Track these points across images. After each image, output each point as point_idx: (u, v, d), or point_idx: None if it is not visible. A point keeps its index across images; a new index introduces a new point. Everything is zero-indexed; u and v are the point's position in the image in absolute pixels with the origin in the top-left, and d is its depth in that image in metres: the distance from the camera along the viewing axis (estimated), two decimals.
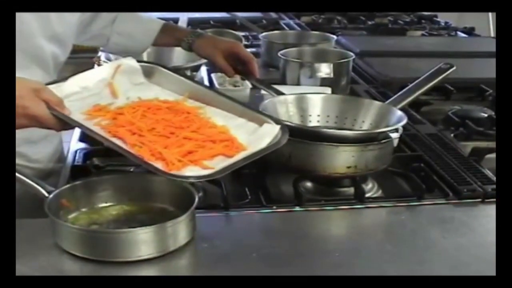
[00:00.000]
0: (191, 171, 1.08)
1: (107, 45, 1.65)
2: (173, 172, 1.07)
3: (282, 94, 1.51)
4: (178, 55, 1.93)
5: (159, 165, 1.08)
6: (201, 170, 1.09)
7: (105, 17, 1.62)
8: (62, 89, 1.21)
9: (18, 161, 1.27)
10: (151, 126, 1.18)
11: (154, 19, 1.68)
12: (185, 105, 1.28)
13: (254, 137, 1.18)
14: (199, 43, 1.59)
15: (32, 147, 1.49)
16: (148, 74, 1.37)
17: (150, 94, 1.30)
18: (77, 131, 1.59)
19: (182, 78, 1.37)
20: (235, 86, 1.81)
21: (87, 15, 1.59)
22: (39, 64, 1.39)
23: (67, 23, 1.44)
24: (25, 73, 1.19)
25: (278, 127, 1.19)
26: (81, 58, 1.36)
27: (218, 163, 1.10)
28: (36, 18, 1.34)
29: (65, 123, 1.15)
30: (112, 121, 1.19)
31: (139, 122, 1.18)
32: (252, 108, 1.28)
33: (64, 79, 1.25)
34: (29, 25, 1.33)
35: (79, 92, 1.24)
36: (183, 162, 1.09)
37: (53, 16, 1.39)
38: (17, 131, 1.11)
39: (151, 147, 1.12)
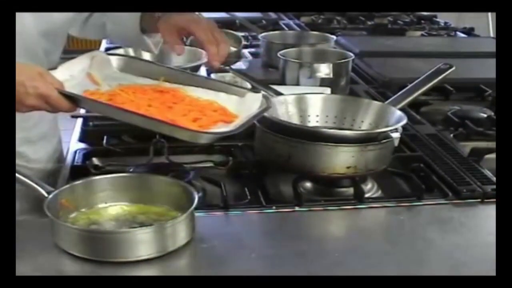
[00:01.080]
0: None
1: (107, 34, 1.63)
2: (200, 130, 1.09)
3: (281, 94, 1.51)
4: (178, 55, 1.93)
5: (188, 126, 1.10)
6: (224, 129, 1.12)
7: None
8: (56, 76, 1.21)
9: (17, 161, 1.27)
10: (148, 103, 1.18)
11: None
12: (167, 86, 1.28)
13: (243, 106, 1.20)
14: (160, 20, 1.44)
15: (31, 147, 1.49)
16: (119, 66, 1.37)
17: (127, 81, 1.31)
18: (76, 132, 1.59)
19: (153, 64, 1.37)
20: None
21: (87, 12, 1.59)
22: (32, 59, 1.38)
23: (60, 19, 1.43)
24: None
25: (260, 94, 1.22)
26: None
27: (222, 129, 1.12)
28: (32, 13, 1.33)
29: (73, 103, 1.15)
30: (110, 101, 1.18)
31: (137, 99, 1.19)
32: (229, 83, 1.30)
33: (54, 68, 1.26)
34: (23, 20, 1.32)
35: (69, 80, 1.25)
36: (195, 126, 1.10)
37: (53, 13, 1.39)
38: (16, 131, 1.11)
39: (162, 116, 1.12)
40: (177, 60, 1.89)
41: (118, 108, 1.14)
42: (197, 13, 1.51)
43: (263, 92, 1.24)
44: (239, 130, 1.12)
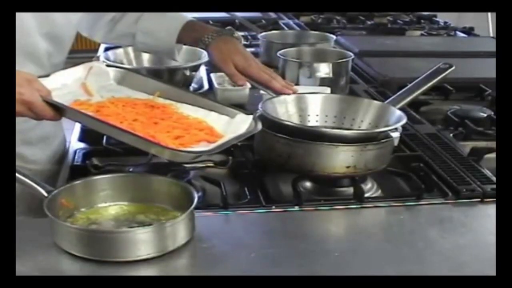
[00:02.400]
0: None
1: (134, 44, 1.64)
2: (178, 148, 1.09)
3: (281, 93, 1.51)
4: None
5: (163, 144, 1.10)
6: (201, 149, 1.12)
7: (130, 15, 1.60)
8: (46, 84, 1.21)
9: None
10: (134, 117, 1.19)
11: (179, 15, 1.61)
12: (158, 101, 1.29)
13: (231, 127, 1.21)
14: (214, 46, 1.51)
15: (30, 149, 1.49)
16: (116, 78, 1.38)
17: (122, 94, 1.32)
18: (76, 132, 1.59)
19: (150, 79, 1.38)
20: (234, 85, 1.80)
21: (115, 13, 1.59)
22: (34, 61, 1.38)
23: (66, 22, 1.43)
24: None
25: (250, 116, 1.22)
26: (81, 58, 1.36)
27: (199, 148, 1.12)
28: (33, 15, 1.33)
29: (57, 112, 1.16)
30: (97, 113, 1.19)
31: (124, 112, 1.20)
32: (222, 103, 1.30)
33: (46, 75, 1.26)
34: (24, 21, 1.32)
35: (60, 89, 1.26)
36: (175, 144, 1.11)
37: (56, 16, 1.39)
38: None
39: (143, 132, 1.12)
40: (178, 60, 1.89)
41: (99, 120, 1.14)
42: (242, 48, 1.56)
43: (254, 115, 1.24)
44: (215, 151, 1.13)
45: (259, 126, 1.21)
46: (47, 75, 1.26)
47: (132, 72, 1.41)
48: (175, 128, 1.17)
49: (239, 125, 1.20)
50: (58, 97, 1.21)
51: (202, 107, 1.28)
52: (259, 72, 1.50)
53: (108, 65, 1.40)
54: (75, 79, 1.31)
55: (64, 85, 1.28)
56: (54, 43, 1.43)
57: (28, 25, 1.34)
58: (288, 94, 1.46)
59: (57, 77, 1.28)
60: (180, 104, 1.29)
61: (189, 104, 1.29)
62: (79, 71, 1.33)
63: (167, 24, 1.59)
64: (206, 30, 1.55)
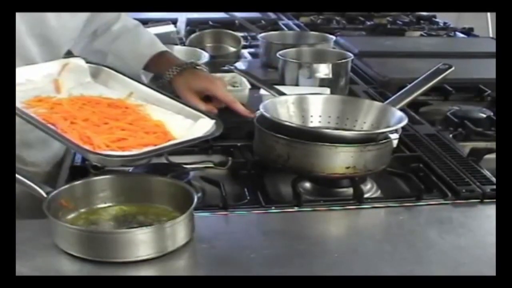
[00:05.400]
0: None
1: (105, 62, 1.63)
2: (97, 151, 1.07)
3: (284, 94, 1.51)
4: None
5: (86, 147, 1.08)
6: (125, 153, 1.09)
7: (108, 35, 1.62)
8: None
9: None
10: (86, 116, 1.18)
11: (154, 44, 1.64)
12: (126, 102, 1.28)
13: (189, 131, 1.19)
14: (176, 81, 1.54)
15: (28, 150, 1.49)
16: (94, 74, 1.37)
17: (95, 92, 1.31)
18: None
19: (127, 78, 1.37)
20: (234, 86, 1.80)
21: (92, 29, 1.59)
22: (26, 63, 1.38)
23: (60, 26, 1.43)
24: None
25: (212, 121, 1.20)
26: None
27: (126, 152, 1.10)
28: (22, 16, 1.32)
29: None
30: (49, 110, 1.19)
31: (74, 111, 1.19)
32: (191, 106, 1.29)
33: None
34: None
35: (23, 84, 1.25)
36: (111, 147, 1.09)
37: (48, 18, 1.38)
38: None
39: (80, 132, 1.12)
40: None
41: (33, 118, 1.14)
42: (206, 71, 1.61)
43: (217, 119, 1.22)
44: (144, 156, 1.11)
45: (217, 132, 1.18)
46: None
47: (111, 70, 1.39)
48: (123, 130, 1.15)
49: (197, 129, 1.18)
50: (19, 92, 1.20)
51: (171, 110, 1.26)
52: (225, 92, 1.54)
53: (88, 62, 1.38)
54: (45, 75, 1.30)
55: (29, 80, 1.27)
56: (47, 47, 1.42)
57: (18, 27, 1.33)
58: (251, 117, 1.47)
59: (22, 71, 1.26)
60: (150, 105, 1.27)
61: (160, 106, 1.27)
62: (51, 67, 1.32)
63: (137, 52, 1.61)
64: (170, 64, 1.57)
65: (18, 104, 1.18)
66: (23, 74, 1.26)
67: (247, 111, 1.53)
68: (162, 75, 1.56)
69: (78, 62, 1.36)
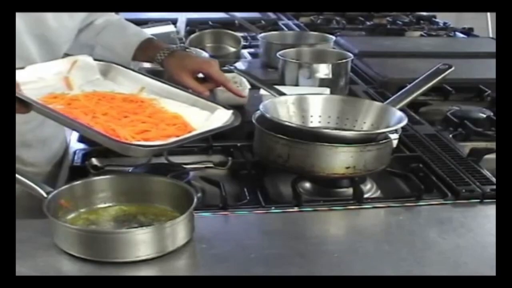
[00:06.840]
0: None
1: (93, 55, 1.63)
2: (127, 141, 1.07)
3: (284, 94, 1.51)
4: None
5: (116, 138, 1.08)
6: (156, 143, 1.09)
7: (92, 28, 1.60)
8: (19, 76, 1.21)
9: None
10: (105, 111, 1.18)
11: (139, 32, 1.62)
12: (140, 96, 1.29)
13: (207, 122, 1.20)
14: (168, 61, 1.50)
15: (27, 151, 1.49)
16: (104, 72, 1.38)
17: (106, 89, 1.31)
18: (76, 132, 1.59)
19: (137, 73, 1.37)
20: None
21: (81, 24, 1.59)
22: (26, 63, 1.38)
23: (59, 26, 1.42)
24: None
25: (230, 112, 1.21)
26: None
27: (155, 142, 1.10)
28: (22, 16, 1.32)
29: (23, 105, 1.15)
30: (67, 106, 1.19)
31: (93, 106, 1.19)
32: (205, 98, 1.30)
33: (22, 67, 1.26)
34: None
35: (35, 81, 1.25)
36: (136, 139, 1.09)
37: (47, 18, 1.38)
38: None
39: (104, 125, 1.12)
40: None
41: (59, 114, 1.13)
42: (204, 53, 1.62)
43: (234, 110, 1.22)
44: (171, 146, 1.11)
45: (236, 122, 1.19)
46: (22, 67, 1.25)
47: (119, 67, 1.39)
48: (144, 122, 1.16)
49: (216, 120, 1.19)
50: (32, 90, 1.20)
51: (185, 103, 1.27)
52: (219, 71, 1.50)
53: (96, 60, 1.38)
54: (55, 73, 1.30)
55: (40, 78, 1.27)
56: (46, 47, 1.42)
57: (17, 27, 1.33)
58: (241, 96, 1.54)
59: (32, 70, 1.27)
60: (164, 99, 1.28)
61: (173, 99, 1.28)
62: (61, 65, 1.33)
63: (125, 40, 1.59)
64: (159, 48, 1.54)
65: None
66: (34, 72, 1.27)
67: (239, 92, 1.55)
68: (153, 59, 1.54)
69: (86, 59, 1.37)
